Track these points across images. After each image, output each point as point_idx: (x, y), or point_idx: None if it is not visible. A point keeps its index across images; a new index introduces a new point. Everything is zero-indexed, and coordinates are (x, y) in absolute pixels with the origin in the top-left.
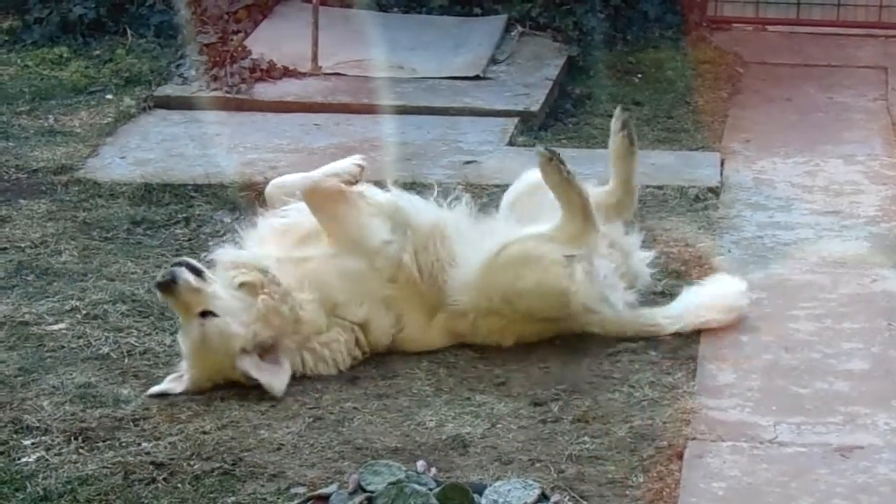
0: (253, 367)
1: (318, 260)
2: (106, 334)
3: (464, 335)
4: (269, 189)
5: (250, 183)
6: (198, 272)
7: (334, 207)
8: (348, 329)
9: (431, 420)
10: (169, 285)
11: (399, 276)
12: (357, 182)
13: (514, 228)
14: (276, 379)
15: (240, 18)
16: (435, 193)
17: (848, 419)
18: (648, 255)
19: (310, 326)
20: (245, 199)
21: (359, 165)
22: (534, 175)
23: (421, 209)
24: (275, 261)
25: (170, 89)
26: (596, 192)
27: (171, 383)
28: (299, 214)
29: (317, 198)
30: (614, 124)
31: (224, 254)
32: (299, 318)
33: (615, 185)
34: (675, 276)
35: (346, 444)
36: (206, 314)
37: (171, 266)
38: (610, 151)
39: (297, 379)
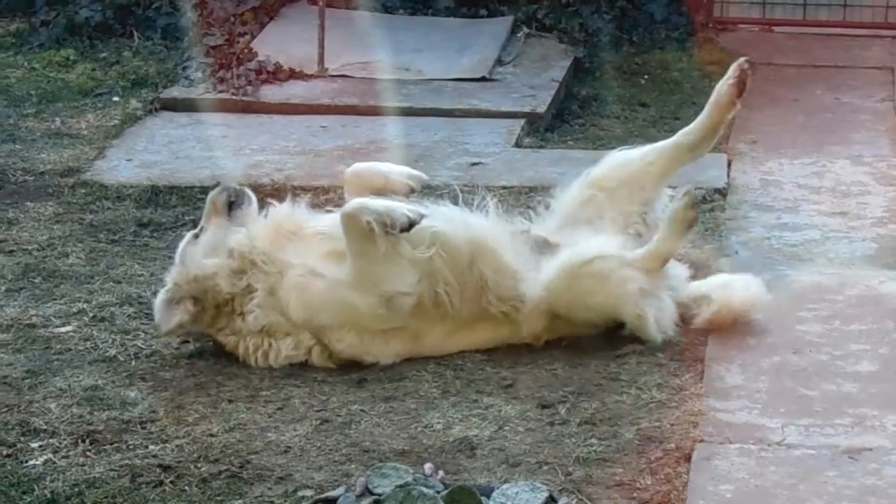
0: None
1: (327, 283)
2: (113, 337)
3: (507, 338)
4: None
5: (257, 185)
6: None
7: (366, 242)
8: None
9: (439, 422)
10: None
11: (407, 319)
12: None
13: (594, 238)
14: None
15: (246, 21)
16: (460, 199)
17: (856, 421)
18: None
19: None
20: None
21: (409, 217)
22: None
23: (459, 227)
24: (287, 263)
25: (176, 91)
26: (670, 141)
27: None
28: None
29: (352, 225)
30: (731, 70)
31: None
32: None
33: (704, 123)
34: None
35: (354, 447)
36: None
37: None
38: (668, 218)
39: (304, 382)
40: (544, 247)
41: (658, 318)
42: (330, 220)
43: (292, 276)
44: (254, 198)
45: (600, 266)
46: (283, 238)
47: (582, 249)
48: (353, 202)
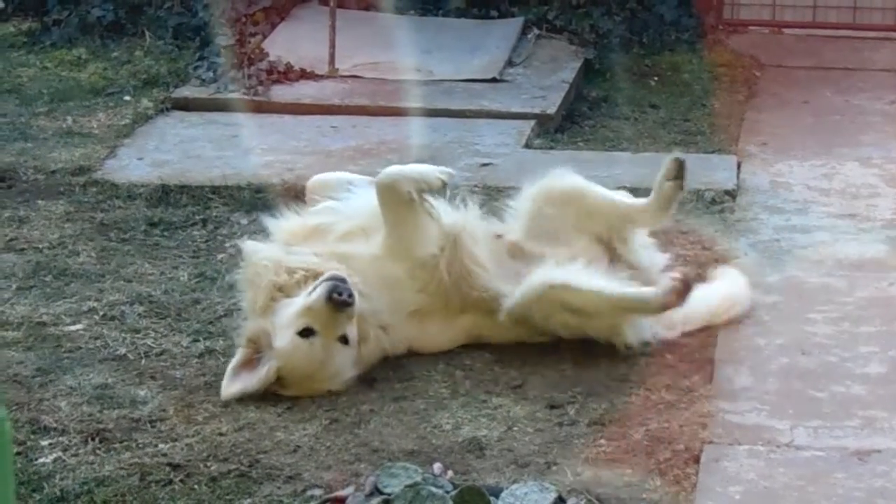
0: None
1: (363, 259)
2: (123, 335)
3: (487, 337)
4: (311, 183)
5: (267, 185)
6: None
7: (403, 209)
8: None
9: (448, 423)
10: (348, 304)
11: (430, 286)
12: (435, 192)
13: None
14: None
15: (257, 21)
16: (448, 196)
17: (865, 423)
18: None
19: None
20: (262, 201)
21: (442, 180)
22: (572, 183)
23: (449, 216)
24: (316, 256)
25: (187, 91)
26: (628, 203)
27: (244, 380)
28: (336, 214)
29: (390, 195)
30: (668, 169)
31: (270, 253)
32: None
33: (653, 204)
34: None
35: (363, 447)
36: (344, 339)
37: (340, 283)
38: (657, 182)
39: None
40: (517, 254)
41: (634, 326)
42: (322, 211)
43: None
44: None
45: (583, 300)
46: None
47: (563, 274)
48: (388, 171)
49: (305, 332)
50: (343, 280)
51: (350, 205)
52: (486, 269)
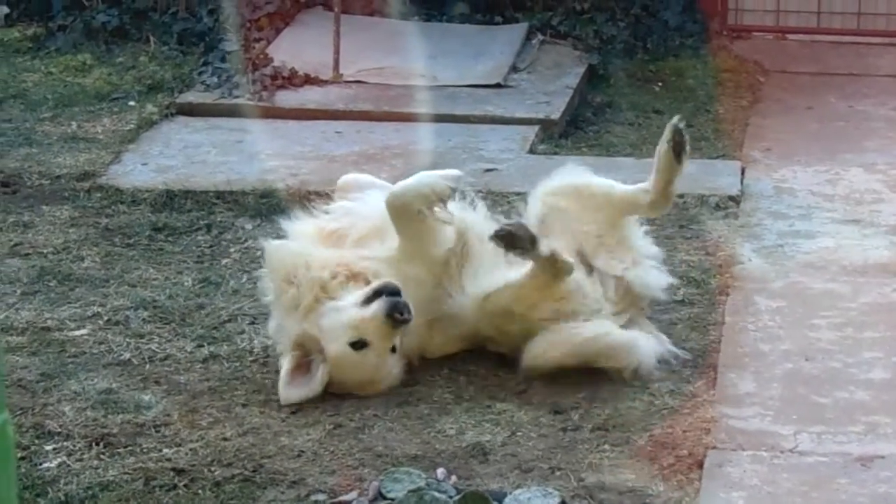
0: None
1: (382, 262)
2: (127, 340)
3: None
4: (341, 181)
5: (272, 190)
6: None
7: (414, 224)
8: None
9: (451, 428)
10: (407, 321)
11: (443, 279)
12: (444, 202)
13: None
14: None
15: (262, 26)
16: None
17: (869, 428)
18: (657, 256)
19: None
20: (266, 206)
21: (451, 187)
22: (574, 176)
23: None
24: (336, 260)
25: (192, 96)
26: (631, 189)
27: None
28: (350, 217)
29: (401, 214)
30: (666, 132)
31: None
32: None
33: (654, 186)
34: (694, 284)
35: (367, 452)
36: (394, 348)
37: (399, 299)
38: (656, 154)
39: None
40: None
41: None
42: (338, 213)
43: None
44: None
45: (503, 303)
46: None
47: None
48: (397, 191)
49: (359, 345)
50: (399, 293)
51: (364, 206)
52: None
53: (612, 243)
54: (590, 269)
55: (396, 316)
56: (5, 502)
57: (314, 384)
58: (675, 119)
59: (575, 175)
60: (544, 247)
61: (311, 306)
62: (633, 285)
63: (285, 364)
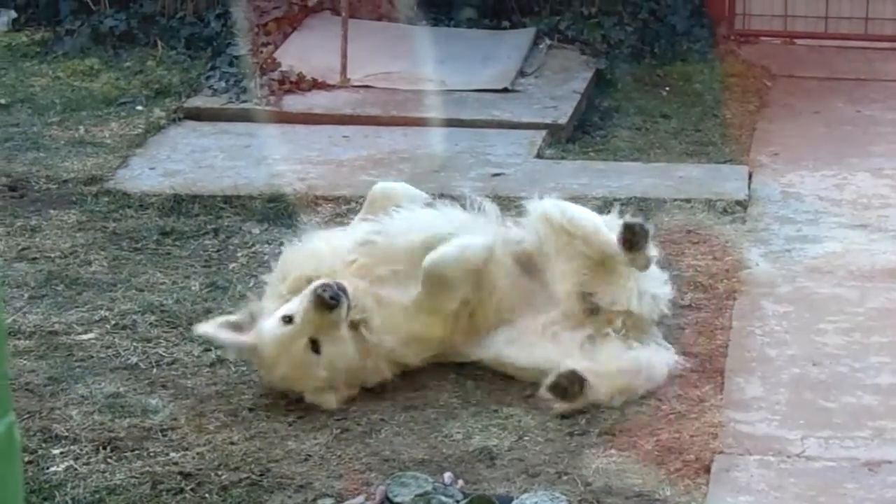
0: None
1: (395, 308)
2: (135, 344)
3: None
4: (374, 192)
5: (279, 194)
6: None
7: (445, 292)
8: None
9: (459, 432)
10: (330, 305)
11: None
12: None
13: None
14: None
15: (269, 31)
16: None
17: (876, 433)
18: (663, 277)
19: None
20: (274, 211)
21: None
22: (570, 218)
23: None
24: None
25: (199, 101)
26: (611, 244)
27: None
28: (376, 251)
29: (437, 283)
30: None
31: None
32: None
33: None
34: (701, 289)
35: (374, 456)
36: (315, 345)
37: (330, 287)
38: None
39: None
40: (527, 264)
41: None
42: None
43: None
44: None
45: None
46: None
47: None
48: (437, 259)
49: (286, 319)
50: (336, 286)
51: (393, 239)
52: (512, 311)
53: (611, 277)
54: (596, 309)
55: (320, 293)
56: None
57: (232, 337)
58: (628, 217)
59: (560, 210)
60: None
61: (283, 296)
62: (643, 318)
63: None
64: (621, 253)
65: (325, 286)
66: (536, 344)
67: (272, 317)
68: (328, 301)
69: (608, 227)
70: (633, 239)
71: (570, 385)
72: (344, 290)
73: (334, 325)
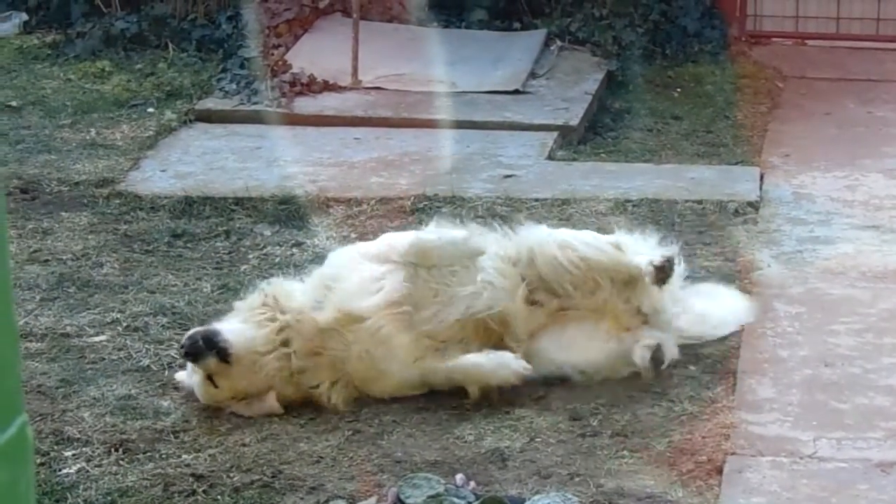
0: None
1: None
2: (146, 346)
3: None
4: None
5: (290, 196)
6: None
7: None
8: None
9: (470, 434)
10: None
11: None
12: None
13: None
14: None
15: (280, 33)
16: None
17: (889, 434)
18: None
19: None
20: (285, 213)
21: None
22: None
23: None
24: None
25: (211, 103)
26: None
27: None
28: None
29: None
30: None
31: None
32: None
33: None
34: None
35: (386, 458)
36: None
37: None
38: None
39: None
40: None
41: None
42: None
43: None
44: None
45: None
46: None
47: None
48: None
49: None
50: (213, 338)
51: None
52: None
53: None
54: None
55: (185, 347)
56: None
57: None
58: (656, 259)
59: (565, 248)
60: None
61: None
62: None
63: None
64: (647, 271)
65: (188, 338)
66: (592, 345)
67: None
68: (188, 355)
69: (601, 238)
70: (664, 276)
71: (657, 353)
72: (209, 338)
73: (214, 369)
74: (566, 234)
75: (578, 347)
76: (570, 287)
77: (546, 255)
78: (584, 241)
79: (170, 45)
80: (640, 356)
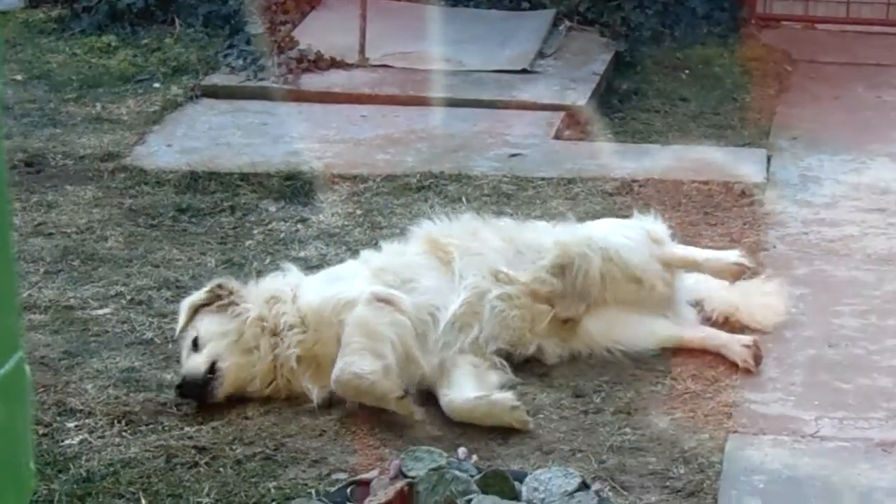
0: None
1: None
2: (150, 320)
3: None
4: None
5: (296, 172)
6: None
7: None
8: None
9: None
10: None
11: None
12: None
13: None
14: None
15: (288, 9)
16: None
17: (890, 415)
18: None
19: None
20: (290, 189)
21: None
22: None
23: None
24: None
25: (217, 79)
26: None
27: None
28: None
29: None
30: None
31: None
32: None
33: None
34: None
35: (388, 432)
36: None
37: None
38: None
39: None
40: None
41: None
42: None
43: None
44: None
45: None
46: None
47: None
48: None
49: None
50: (198, 384)
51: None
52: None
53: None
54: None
55: (183, 390)
56: (22, 445)
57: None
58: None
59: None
60: None
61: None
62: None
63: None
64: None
65: (183, 383)
66: (645, 320)
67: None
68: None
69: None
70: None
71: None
72: (203, 383)
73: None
74: (607, 242)
75: (631, 330)
76: (611, 295)
77: (589, 272)
78: (626, 247)
79: (176, 20)
80: (739, 354)
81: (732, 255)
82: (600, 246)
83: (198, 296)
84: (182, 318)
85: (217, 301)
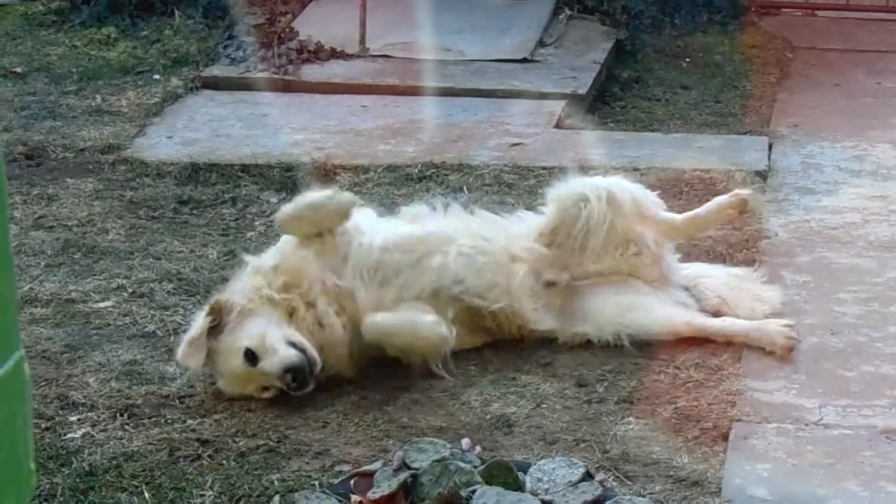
0: None
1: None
2: (152, 312)
3: None
4: None
5: (297, 163)
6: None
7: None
8: None
9: (476, 400)
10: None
11: None
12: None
13: None
14: None
15: (287, 0)
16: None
17: (894, 402)
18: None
19: None
20: (291, 180)
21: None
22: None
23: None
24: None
25: (217, 70)
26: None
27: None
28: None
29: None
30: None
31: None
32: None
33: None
34: (721, 259)
35: (391, 423)
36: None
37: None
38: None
39: None
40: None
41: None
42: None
43: None
44: None
45: None
46: None
47: None
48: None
49: (249, 354)
50: (308, 373)
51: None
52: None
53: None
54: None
55: (289, 381)
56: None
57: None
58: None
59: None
60: None
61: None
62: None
63: (196, 327)
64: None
65: (295, 373)
66: (655, 304)
67: (237, 337)
68: (294, 387)
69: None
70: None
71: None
72: (308, 371)
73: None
74: (610, 184)
75: (636, 310)
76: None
77: (592, 215)
78: (629, 188)
79: (176, 11)
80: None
81: (727, 195)
82: (604, 186)
83: (198, 327)
84: (197, 355)
85: (224, 317)
